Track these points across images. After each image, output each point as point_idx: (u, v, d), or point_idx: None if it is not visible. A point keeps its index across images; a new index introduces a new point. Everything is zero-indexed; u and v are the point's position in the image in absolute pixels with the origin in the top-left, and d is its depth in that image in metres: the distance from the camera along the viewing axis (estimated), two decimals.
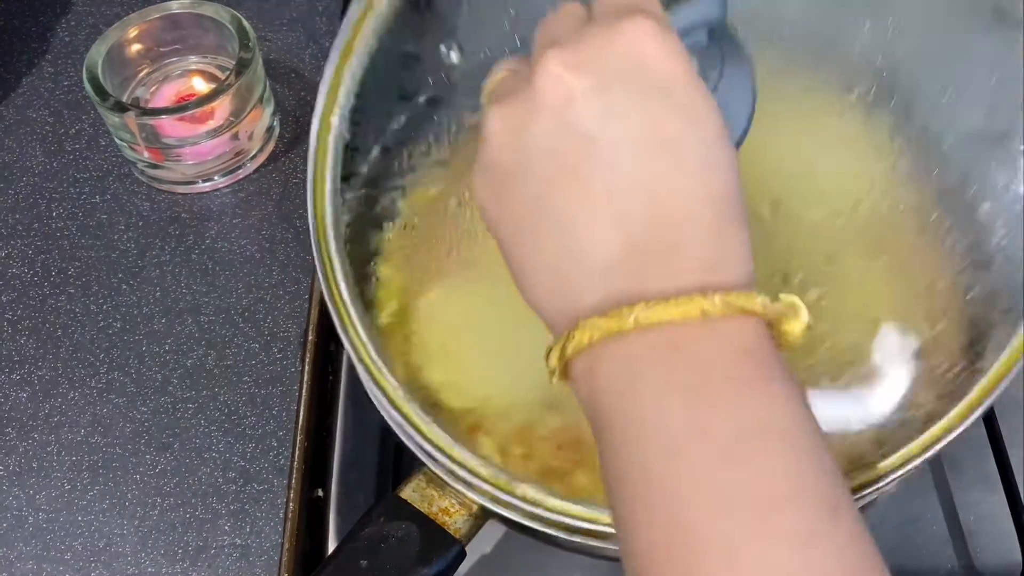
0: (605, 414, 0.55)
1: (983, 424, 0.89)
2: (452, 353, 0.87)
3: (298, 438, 0.89)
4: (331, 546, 0.88)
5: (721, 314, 0.50)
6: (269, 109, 1.06)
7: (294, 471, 0.87)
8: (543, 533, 0.78)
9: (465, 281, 0.92)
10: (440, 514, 0.79)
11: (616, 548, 0.79)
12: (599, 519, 0.75)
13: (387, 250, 0.99)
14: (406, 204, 1.01)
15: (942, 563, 0.89)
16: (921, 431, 0.84)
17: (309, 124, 1.07)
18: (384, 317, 0.94)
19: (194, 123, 1.00)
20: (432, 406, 0.87)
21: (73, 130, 1.09)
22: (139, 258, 1.00)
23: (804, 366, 0.82)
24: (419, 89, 0.89)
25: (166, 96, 1.06)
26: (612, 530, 0.76)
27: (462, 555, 0.80)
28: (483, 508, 0.79)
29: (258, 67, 1.02)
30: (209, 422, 0.90)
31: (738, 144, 0.61)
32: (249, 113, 1.02)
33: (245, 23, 1.02)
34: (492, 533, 0.88)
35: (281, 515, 0.85)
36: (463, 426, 0.86)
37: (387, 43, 0.81)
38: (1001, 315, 0.83)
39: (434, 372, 0.87)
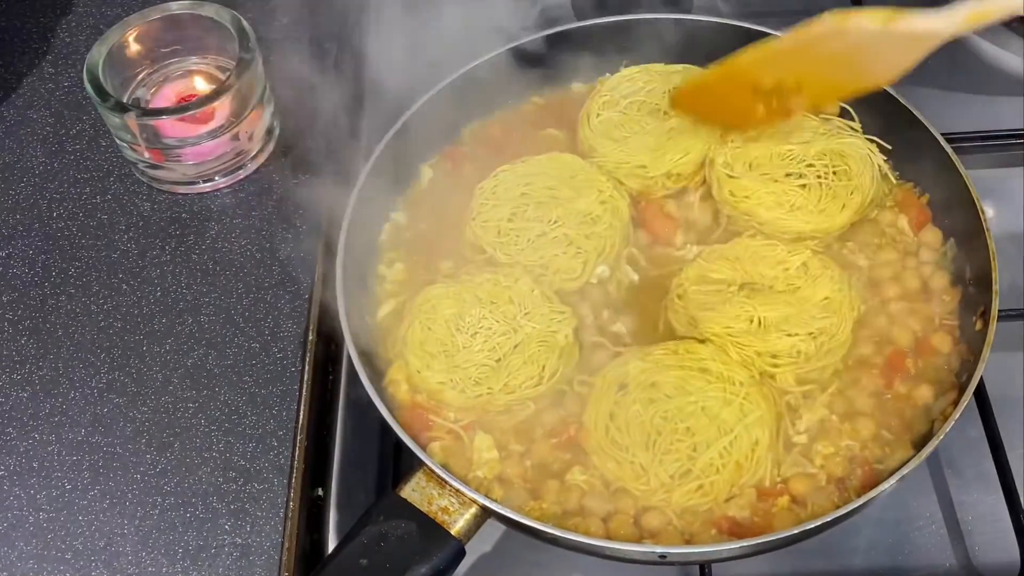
0: None
1: (981, 425, 0.90)
2: (451, 353, 0.88)
3: (298, 437, 0.89)
4: (331, 545, 0.89)
5: None
6: (269, 110, 1.06)
7: (294, 470, 0.88)
8: (542, 532, 0.79)
9: (463, 280, 0.93)
10: (440, 513, 0.80)
11: (612, 548, 0.80)
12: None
13: (384, 249, 0.99)
14: (404, 200, 1.02)
15: (940, 562, 0.89)
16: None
17: (309, 125, 1.08)
18: (381, 314, 0.94)
19: (194, 123, 1.01)
20: (434, 403, 0.87)
21: (74, 131, 1.10)
22: (140, 258, 1.00)
23: None
24: None
25: (167, 97, 1.06)
26: (598, 543, 0.78)
27: (461, 553, 0.80)
28: (482, 507, 0.80)
29: (258, 68, 1.03)
30: (209, 422, 0.90)
31: None
32: (249, 114, 1.02)
33: (245, 24, 1.03)
34: (491, 532, 0.89)
35: (281, 514, 0.85)
36: (463, 422, 0.86)
37: None
38: None
39: (435, 373, 0.87)
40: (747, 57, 0.92)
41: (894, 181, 0.98)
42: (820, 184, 0.94)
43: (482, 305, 0.89)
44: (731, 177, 0.96)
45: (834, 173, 0.94)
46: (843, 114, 1.00)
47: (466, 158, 1.02)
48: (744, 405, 0.83)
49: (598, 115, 1.01)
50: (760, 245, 0.92)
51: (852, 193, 0.94)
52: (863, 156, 0.96)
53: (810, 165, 0.95)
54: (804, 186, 0.94)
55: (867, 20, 0.84)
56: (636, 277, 0.95)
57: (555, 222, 0.93)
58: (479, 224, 0.95)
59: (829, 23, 0.86)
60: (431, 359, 0.87)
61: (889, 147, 0.98)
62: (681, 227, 0.97)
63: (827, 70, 0.90)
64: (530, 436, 0.86)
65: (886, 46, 0.86)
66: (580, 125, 1.01)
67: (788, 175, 0.95)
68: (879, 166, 0.96)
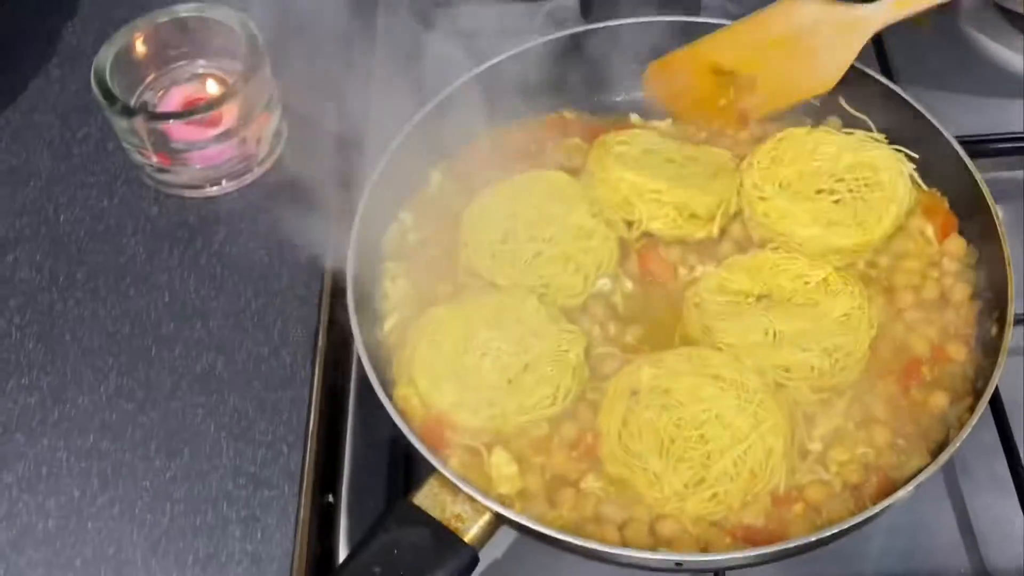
0: None
1: (995, 428, 0.89)
2: (461, 375, 0.86)
3: (309, 443, 0.89)
4: (343, 552, 0.88)
5: None
6: (277, 113, 1.05)
7: (305, 476, 0.87)
8: (557, 539, 0.78)
9: (467, 302, 0.91)
10: (453, 520, 0.79)
11: (627, 556, 0.79)
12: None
13: (389, 257, 0.98)
14: (412, 204, 1.01)
15: (954, 566, 0.89)
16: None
17: (317, 128, 1.08)
18: (388, 325, 0.93)
19: (202, 127, 1.00)
20: (448, 420, 0.86)
21: (80, 134, 1.09)
22: (147, 262, 0.99)
23: None
24: None
25: (174, 100, 1.05)
26: (613, 550, 0.78)
27: (475, 561, 0.80)
28: (496, 514, 0.79)
29: (266, 71, 1.02)
30: (219, 427, 0.90)
31: None
32: (257, 117, 1.02)
33: (253, 27, 1.02)
34: (504, 539, 0.88)
35: (292, 521, 0.85)
36: (480, 442, 0.85)
37: None
38: None
39: (446, 395, 0.86)
40: (711, 38, 1.03)
41: (925, 188, 0.97)
42: (854, 198, 0.93)
43: (489, 326, 0.87)
44: (763, 199, 0.95)
45: (866, 186, 0.94)
46: (859, 125, 0.99)
47: (479, 163, 1.01)
48: (758, 412, 0.82)
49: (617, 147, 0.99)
50: (781, 258, 0.91)
51: (888, 204, 0.93)
52: (893, 166, 0.95)
53: (840, 180, 0.94)
54: (838, 201, 0.93)
55: (809, 4, 0.99)
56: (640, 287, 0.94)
57: (550, 240, 0.93)
58: (472, 250, 0.94)
59: (778, 6, 1.01)
60: (441, 381, 0.86)
61: (916, 156, 0.97)
62: (680, 265, 0.95)
63: (777, 60, 1.01)
64: (547, 448, 0.85)
65: (825, 33, 0.99)
66: (592, 157, 0.99)
67: (819, 192, 0.94)
68: (910, 175, 0.95)
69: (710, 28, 1.04)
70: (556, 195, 0.95)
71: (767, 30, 1.01)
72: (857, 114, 1.01)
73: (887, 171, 0.94)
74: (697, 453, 0.81)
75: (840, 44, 0.99)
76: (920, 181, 0.97)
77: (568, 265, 0.92)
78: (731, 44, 1.02)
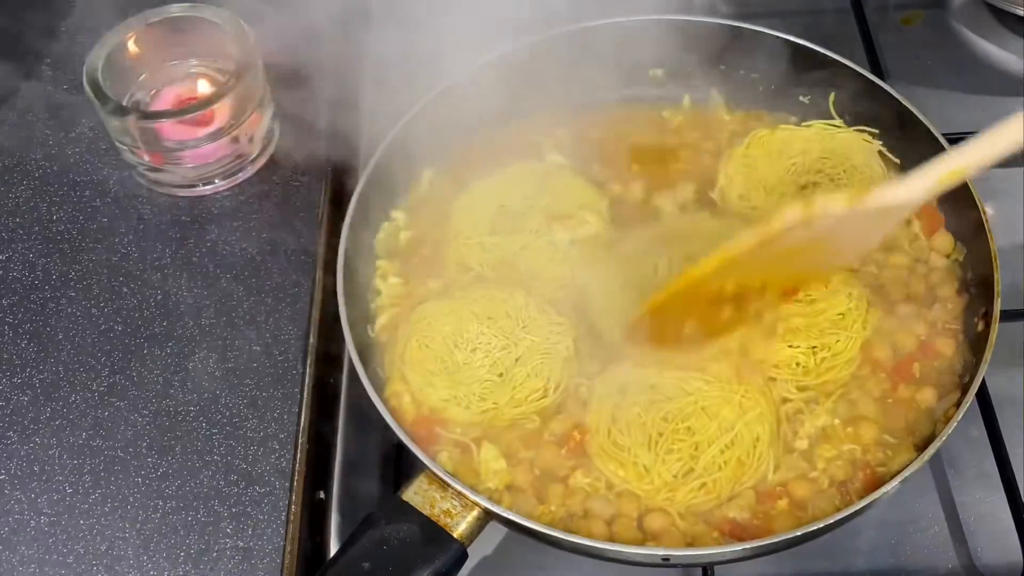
0: None
1: (983, 424, 0.90)
2: (452, 370, 0.87)
3: (300, 440, 0.89)
4: (333, 548, 0.89)
5: None
6: (269, 112, 1.06)
7: (296, 473, 0.87)
8: (545, 535, 0.79)
9: (457, 297, 0.92)
10: (442, 516, 0.80)
11: (615, 551, 0.80)
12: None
13: (381, 256, 0.98)
14: (404, 204, 1.01)
15: (942, 562, 0.89)
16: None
17: (309, 127, 1.08)
18: (380, 323, 0.94)
19: (194, 126, 1.00)
20: (438, 417, 0.87)
21: (73, 134, 1.09)
22: (140, 261, 1.00)
23: None
24: None
25: (166, 99, 1.05)
26: (601, 545, 0.78)
27: (464, 556, 0.80)
28: (485, 510, 0.80)
29: (258, 70, 1.02)
30: (210, 425, 0.90)
31: None
32: (249, 116, 1.02)
33: (244, 26, 1.02)
34: (493, 534, 0.88)
35: (283, 517, 0.85)
36: (470, 437, 0.86)
37: None
38: None
39: (437, 390, 0.87)
40: (706, 265, 0.78)
41: (897, 162, 0.97)
42: (837, 186, 0.94)
43: (479, 321, 0.88)
44: (754, 208, 0.95)
45: (844, 171, 0.94)
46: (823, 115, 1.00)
47: (471, 161, 1.02)
48: (743, 403, 0.83)
49: None
50: None
51: (870, 183, 0.93)
52: (862, 146, 0.96)
53: (818, 171, 0.94)
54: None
55: (831, 204, 0.74)
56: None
57: (537, 231, 0.93)
58: (462, 243, 0.94)
59: (792, 216, 0.75)
60: (432, 376, 0.86)
61: (876, 131, 0.98)
62: None
63: (793, 262, 0.82)
64: (537, 443, 0.86)
65: (854, 225, 0.78)
66: None
67: (803, 188, 0.94)
68: (879, 151, 0.96)
69: (704, 26, 1.04)
70: (544, 187, 0.95)
71: (779, 243, 0.77)
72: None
73: (858, 152, 0.95)
74: (685, 444, 0.82)
75: (871, 227, 0.81)
76: (891, 156, 0.97)
77: (556, 255, 0.92)
78: (733, 267, 0.79)
